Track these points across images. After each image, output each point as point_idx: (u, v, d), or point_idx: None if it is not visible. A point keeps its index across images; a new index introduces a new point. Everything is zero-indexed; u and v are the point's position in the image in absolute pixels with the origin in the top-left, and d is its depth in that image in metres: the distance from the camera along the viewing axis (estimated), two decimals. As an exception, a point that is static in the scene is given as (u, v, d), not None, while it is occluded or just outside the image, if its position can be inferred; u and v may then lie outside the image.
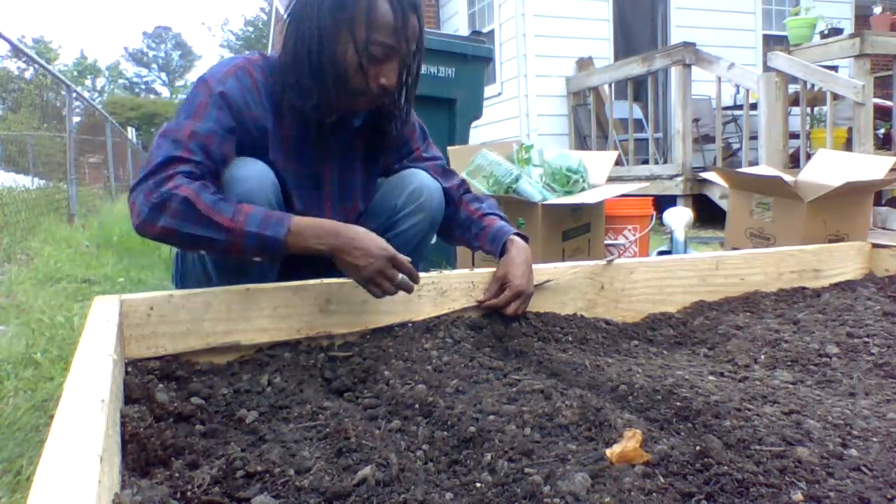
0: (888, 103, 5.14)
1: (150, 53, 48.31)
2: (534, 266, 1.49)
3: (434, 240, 1.61)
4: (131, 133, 20.37)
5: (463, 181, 1.63)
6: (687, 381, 1.09)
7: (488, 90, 6.66)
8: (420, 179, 1.50)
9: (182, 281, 1.48)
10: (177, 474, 0.75)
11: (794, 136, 5.48)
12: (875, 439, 0.89)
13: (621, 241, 2.94)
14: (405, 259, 1.25)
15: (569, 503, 0.69)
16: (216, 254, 1.27)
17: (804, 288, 1.84)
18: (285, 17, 1.37)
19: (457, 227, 1.58)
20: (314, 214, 1.35)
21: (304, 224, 1.21)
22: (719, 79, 5.36)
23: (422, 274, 1.42)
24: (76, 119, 7.40)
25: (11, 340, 2.01)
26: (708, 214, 5.33)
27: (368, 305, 1.34)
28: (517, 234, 1.50)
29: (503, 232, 1.50)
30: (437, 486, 0.76)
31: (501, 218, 1.56)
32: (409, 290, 1.27)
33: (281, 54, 1.34)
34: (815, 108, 6.11)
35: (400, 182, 1.51)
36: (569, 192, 2.39)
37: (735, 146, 6.67)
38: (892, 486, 0.75)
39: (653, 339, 1.48)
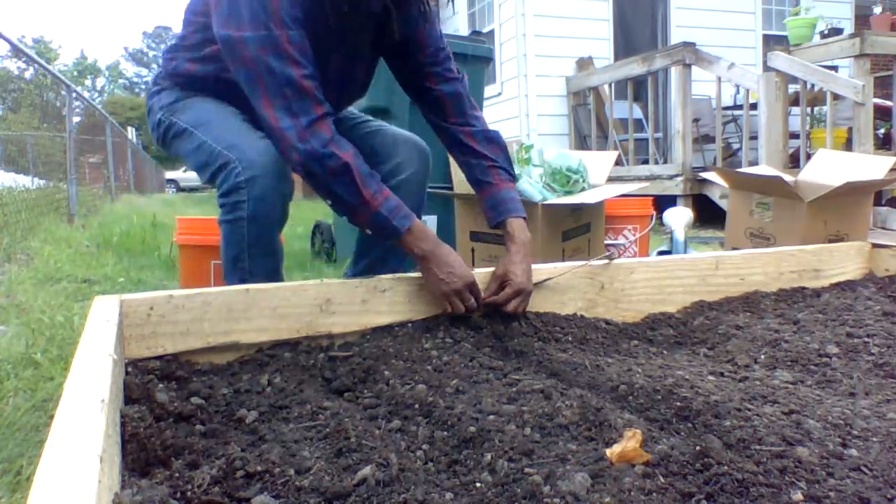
0: (888, 103, 5.14)
1: (150, 53, 48.38)
2: (533, 266, 1.50)
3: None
4: (131, 133, 20.39)
5: (480, 115, 1.61)
6: (687, 381, 1.09)
7: (488, 90, 6.66)
8: (405, 153, 1.60)
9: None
10: (177, 474, 0.75)
11: (794, 136, 5.48)
12: (875, 439, 0.89)
13: (621, 241, 2.94)
14: (478, 290, 1.40)
15: (569, 503, 0.69)
16: (340, 209, 1.38)
17: (804, 288, 1.84)
18: None
19: (463, 165, 1.59)
20: None
21: (419, 228, 1.36)
22: (719, 79, 5.36)
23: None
24: (76, 119, 7.40)
25: (11, 340, 2.01)
26: (708, 214, 5.33)
27: (368, 305, 1.34)
28: (516, 217, 1.49)
29: (505, 207, 1.50)
30: (437, 486, 0.76)
31: (509, 174, 1.56)
32: (472, 312, 1.40)
33: None
34: (815, 108, 6.11)
35: (384, 151, 1.61)
36: (569, 192, 2.39)
37: (735, 146, 6.67)
38: (892, 486, 0.75)
39: (653, 339, 1.48)
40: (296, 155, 1.28)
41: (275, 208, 1.39)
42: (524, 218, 1.52)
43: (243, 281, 1.40)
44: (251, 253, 1.41)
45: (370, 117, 1.76)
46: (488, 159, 1.55)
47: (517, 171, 2.34)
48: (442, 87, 1.55)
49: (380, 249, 1.65)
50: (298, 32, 1.28)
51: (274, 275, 1.45)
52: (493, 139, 1.58)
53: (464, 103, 1.57)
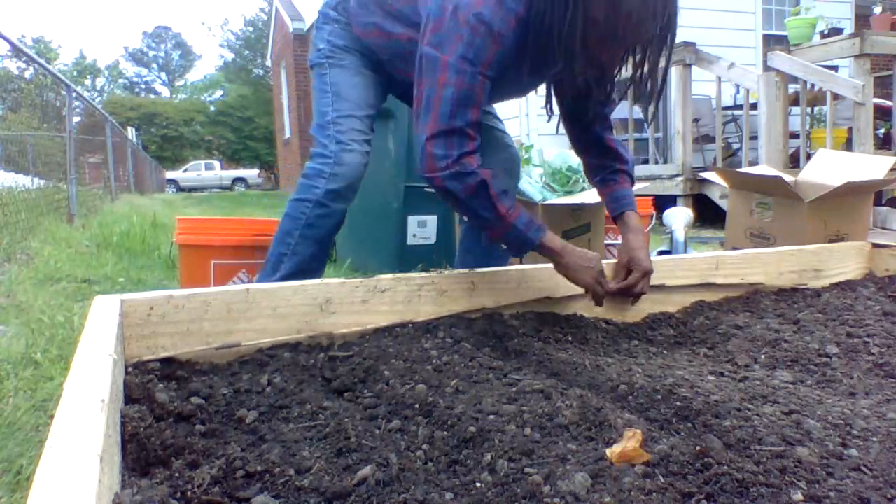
0: (888, 103, 5.13)
1: (150, 53, 48.32)
2: (533, 266, 1.52)
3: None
4: (131, 133, 20.38)
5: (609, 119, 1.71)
6: (687, 381, 1.09)
7: (488, 90, 6.64)
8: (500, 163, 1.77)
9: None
10: (177, 474, 0.75)
11: (794, 136, 5.48)
12: (875, 439, 0.89)
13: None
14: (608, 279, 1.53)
15: (569, 503, 0.69)
16: (477, 223, 1.46)
17: (804, 288, 1.84)
18: None
19: (595, 161, 1.71)
20: None
21: (549, 236, 1.44)
22: (719, 79, 5.36)
23: (422, 274, 1.43)
24: (76, 119, 7.39)
25: (11, 340, 2.01)
26: (708, 214, 5.33)
27: (368, 305, 1.34)
28: (633, 211, 1.64)
29: (625, 202, 1.64)
30: (437, 486, 0.76)
31: (631, 178, 1.70)
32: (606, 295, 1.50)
33: None
34: (815, 108, 6.11)
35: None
36: (569, 192, 2.39)
37: (735, 146, 6.67)
38: (892, 486, 0.75)
39: (653, 339, 1.48)
40: (438, 180, 1.37)
41: (338, 208, 1.61)
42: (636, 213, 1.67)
43: (282, 256, 1.61)
44: (304, 233, 1.61)
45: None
46: (621, 161, 1.67)
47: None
48: (597, 109, 1.63)
49: (484, 245, 1.80)
50: (491, 82, 1.36)
51: (312, 265, 1.62)
52: (626, 149, 1.73)
53: (608, 116, 1.69)
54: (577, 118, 1.66)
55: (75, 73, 40.01)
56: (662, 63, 1.35)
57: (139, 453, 0.77)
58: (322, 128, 1.65)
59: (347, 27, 1.66)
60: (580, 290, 1.52)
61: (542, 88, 1.63)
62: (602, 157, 1.68)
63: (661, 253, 2.90)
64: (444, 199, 1.41)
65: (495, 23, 1.29)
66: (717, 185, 4.63)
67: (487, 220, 1.40)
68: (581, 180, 2.43)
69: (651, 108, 1.45)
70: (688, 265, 1.73)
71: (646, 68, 1.34)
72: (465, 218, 1.48)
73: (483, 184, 1.36)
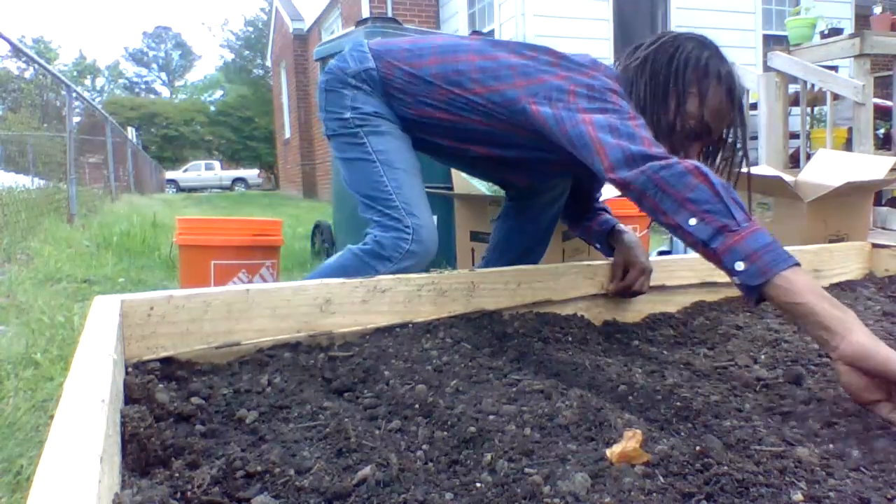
0: (888, 103, 5.13)
1: (150, 53, 48.30)
2: (533, 267, 1.52)
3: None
4: (131, 133, 20.38)
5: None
6: (687, 381, 1.09)
7: (488, 90, 6.64)
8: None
9: None
10: (177, 474, 0.75)
11: (794, 136, 5.47)
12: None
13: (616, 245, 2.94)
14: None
15: (569, 503, 0.69)
16: (691, 230, 1.12)
17: (804, 288, 1.84)
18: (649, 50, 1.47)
19: (585, 223, 1.85)
20: None
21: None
22: (719, 79, 5.34)
23: (422, 274, 1.43)
24: (76, 119, 7.39)
25: (11, 340, 2.01)
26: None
27: (368, 305, 1.34)
28: (619, 225, 1.72)
29: (610, 223, 1.73)
30: (437, 486, 0.76)
31: (606, 211, 1.82)
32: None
33: (625, 88, 1.44)
34: (815, 108, 6.10)
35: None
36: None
37: (735, 146, 6.66)
38: (892, 486, 0.75)
39: (653, 339, 1.48)
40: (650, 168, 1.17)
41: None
42: None
43: None
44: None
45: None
46: (601, 211, 1.83)
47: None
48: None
49: (524, 242, 1.86)
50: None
51: None
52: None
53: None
54: (585, 195, 1.82)
55: (75, 74, 40.00)
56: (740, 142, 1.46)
57: (139, 453, 0.77)
58: (384, 201, 1.57)
59: (374, 94, 1.61)
60: (583, 293, 1.53)
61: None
62: (590, 217, 1.82)
63: (661, 253, 2.90)
64: (643, 194, 1.18)
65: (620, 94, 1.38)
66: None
67: (720, 215, 1.08)
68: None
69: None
70: (688, 265, 1.73)
71: (738, 149, 1.47)
72: (671, 222, 1.15)
73: (697, 168, 1.13)
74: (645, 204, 1.18)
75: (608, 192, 2.38)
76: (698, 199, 1.09)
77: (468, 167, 2.03)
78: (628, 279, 1.54)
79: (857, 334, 0.93)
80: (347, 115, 1.61)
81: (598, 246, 1.79)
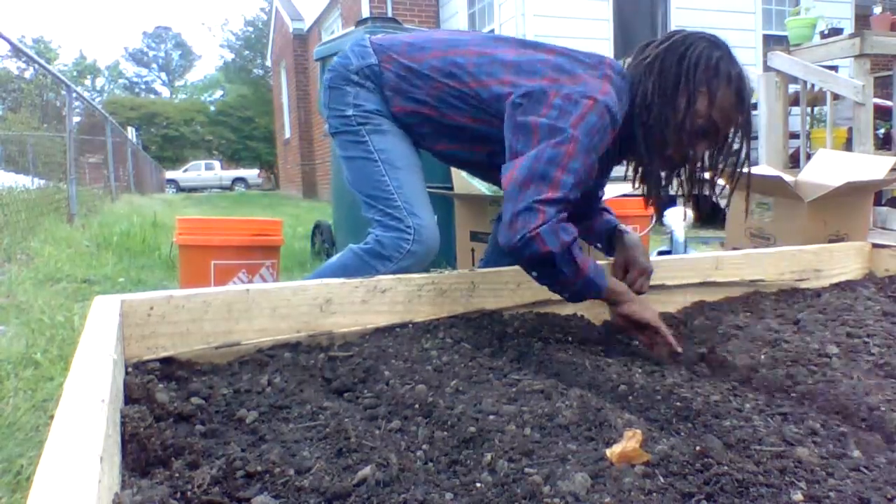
0: (888, 103, 5.13)
1: (150, 53, 48.28)
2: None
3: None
4: (131, 133, 20.37)
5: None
6: (687, 381, 1.09)
7: (488, 90, 6.63)
8: None
9: None
10: (177, 474, 0.75)
11: (794, 136, 5.47)
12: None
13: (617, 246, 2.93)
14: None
15: (569, 503, 0.69)
16: (551, 281, 1.38)
17: (804, 288, 1.84)
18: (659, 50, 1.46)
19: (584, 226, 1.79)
20: None
21: (612, 280, 1.42)
22: (719, 79, 5.34)
23: (422, 274, 1.43)
24: (76, 119, 7.39)
25: (11, 340, 2.01)
26: (708, 214, 5.32)
27: (368, 305, 1.34)
28: (620, 225, 1.71)
29: (613, 223, 1.71)
30: (437, 486, 0.76)
31: (608, 211, 1.78)
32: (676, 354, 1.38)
33: (634, 85, 1.45)
34: (815, 108, 6.10)
35: None
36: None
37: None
38: (892, 486, 0.75)
39: (653, 339, 1.48)
40: (537, 236, 1.30)
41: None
42: None
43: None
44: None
45: None
46: (603, 211, 1.78)
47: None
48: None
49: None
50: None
51: None
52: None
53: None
54: (589, 194, 1.77)
55: (75, 74, 39.99)
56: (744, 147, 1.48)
57: (139, 453, 0.77)
58: (385, 200, 1.56)
59: (375, 91, 1.60)
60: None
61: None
62: (592, 217, 1.78)
63: (661, 253, 2.90)
64: (529, 260, 1.34)
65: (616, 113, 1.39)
66: (718, 185, 4.62)
67: (565, 277, 1.34)
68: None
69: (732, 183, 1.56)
70: (688, 265, 1.73)
71: (742, 149, 1.49)
72: (538, 277, 1.39)
73: (574, 240, 1.33)
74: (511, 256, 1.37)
75: (608, 191, 2.38)
76: (541, 275, 1.37)
77: (458, 165, 2.00)
78: (628, 279, 1.54)
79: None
80: (350, 112, 1.60)
81: (598, 246, 1.79)
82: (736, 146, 1.48)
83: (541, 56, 1.48)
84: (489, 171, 1.61)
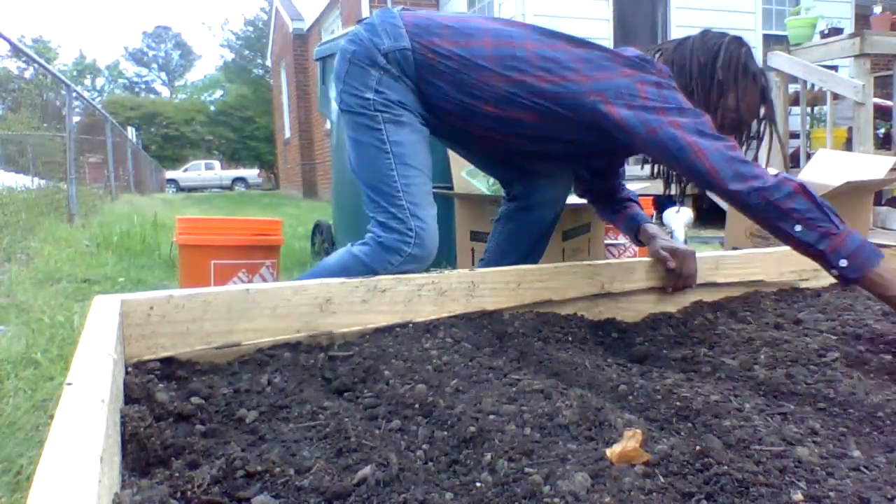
0: (888, 103, 5.13)
1: (150, 53, 48.28)
2: (532, 267, 1.53)
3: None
4: (131, 133, 20.37)
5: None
6: (687, 380, 1.09)
7: (488, 90, 6.64)
8: None
9: None
10: (177, 474, 0.75)
11: (794, 135, 5.48)
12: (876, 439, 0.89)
13: (621, 241, 2.94)
14: None
15: (569, 503, 0.69)
16: (808, 230, 1.29)
17: (804, 288, 1.84)
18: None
19: (608, 206, 1.89)
20: None
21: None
22: (719, 79, 5.34)
23: (422, 274, 1.43)
24: (76, 119, 7.39)
25: (11, 340, 2.01)
26: (708, 214, 5.33)
27: (368, 305, 1.34)
28: (648, 222, 1.79)
29: (641, 218, 1.79)
30: (437, 485, 0.76)
31: (636, 204, 1.85)
32: None
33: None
34: (815, 108, 6.10)
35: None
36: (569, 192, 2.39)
37: (735, 146, 6.65)
38: (892, 486, 0.75)
39: (653, 339, 1.48)
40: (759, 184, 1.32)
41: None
42: None
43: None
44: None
45: None
46: (631, 199, 1.87)
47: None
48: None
49: (525, 245, 1.86)
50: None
51: None
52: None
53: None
54: (606, 175, 1.84)
55: (75, 73, 39.99)
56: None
57: (139, 453, 0.77)
58: (389, 196, 1.51)
59: (400, 80, 1.52)
60: (583, 293, 1.54)
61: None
62: (615, 201, 1.86)
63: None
64: (789, 195, 1.30)
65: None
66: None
67: (821, 221, 1.27)
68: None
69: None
70: (688, 265, 1.73)
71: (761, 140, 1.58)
72: (795, 227, 1.30)
73: (801, 187, 1.31)
74: (750, 213, 1.35)
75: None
76: (800, 208, 1.29)
77: (484, 158, 1.94)
78: (676, 266, 1.63)
79: None
80: (370, 95, 1.51)
81: (628, 237, 1.89)
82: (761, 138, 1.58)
83: (597, 53, 1.49)
84: (542, 161, 1.70)
